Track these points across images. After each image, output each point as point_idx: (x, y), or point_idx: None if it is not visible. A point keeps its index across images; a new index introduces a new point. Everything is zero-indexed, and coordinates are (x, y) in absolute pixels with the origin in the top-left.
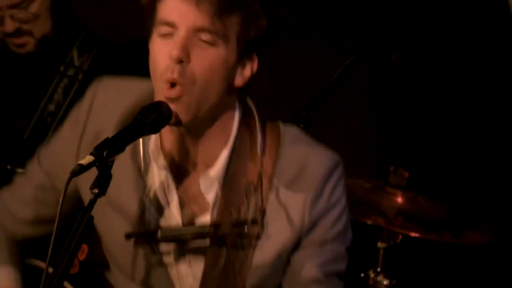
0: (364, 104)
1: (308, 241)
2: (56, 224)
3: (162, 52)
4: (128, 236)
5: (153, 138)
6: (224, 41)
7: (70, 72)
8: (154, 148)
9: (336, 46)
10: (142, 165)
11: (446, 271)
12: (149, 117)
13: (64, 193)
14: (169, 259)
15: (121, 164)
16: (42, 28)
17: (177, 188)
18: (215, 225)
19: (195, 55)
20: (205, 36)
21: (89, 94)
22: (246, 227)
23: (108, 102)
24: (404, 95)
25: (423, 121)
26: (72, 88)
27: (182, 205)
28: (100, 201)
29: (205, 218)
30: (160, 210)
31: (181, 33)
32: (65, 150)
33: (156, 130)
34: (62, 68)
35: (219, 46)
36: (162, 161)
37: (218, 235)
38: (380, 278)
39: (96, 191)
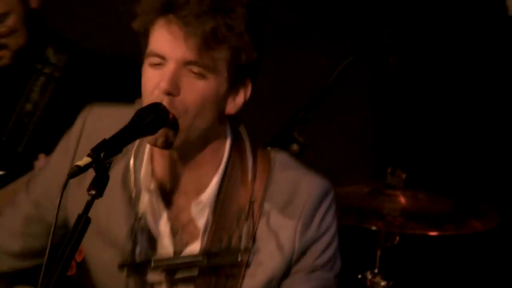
0: (362, 105)
1: (298, 268)
2: (51, 234)
3: (152, 81)
4: (120, 267)
5: (144, 165)
6: (214, 73)
7: (47, 70)
8: (145, 175)
9: (336, 47)
10: (133, 193)
11: (443, 272)
12: (146, 119)
13: (61, 195)
14: None
15: (112, 192)
16: (18, 41)
17: (168, 215)
18: (207, 254)
19: (185, 87)
20: (194, 69)
21: (78, 122)
22: (239, 256)
23: (97, 131)
24: (403, 96)
25: (421, 122)
26: (49, 86)
27: (173, 232)
28: (91, 231)
29: (196, 245)
30: (151, 238)
31: (170, 66)
32: (55, 181)
33: (153, 131)
34: (39, 66)
35: (209, 78)
36: (153, 188)
37: (210, 264)
38: (377, 279)
39: (93, 192)
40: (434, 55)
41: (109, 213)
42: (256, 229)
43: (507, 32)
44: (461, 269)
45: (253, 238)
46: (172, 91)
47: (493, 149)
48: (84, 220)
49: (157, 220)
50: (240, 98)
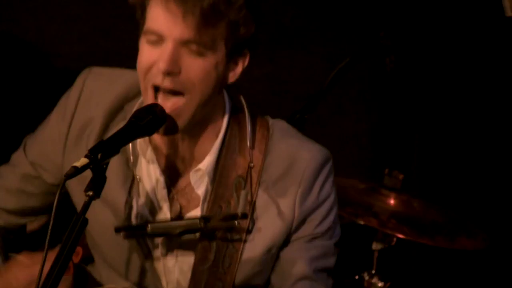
0: (359, 106)
1: (297, 236)
2: (49, 229)
3: (149, 58)
4: (117, 230)
5: None
6: (212, 50)
7: None
8: (142, 141)
9: (334, 48)
10: (131, 158)
11: (440, 274)
12: (144, 120)
13: (58, 198)
14: (156, 253)
15: None
16: None
17: (166, 182)
18: (205, 218)
19: (185, 65)
20: (192, 47)
21: (77, 85)
22: (236, 221)
23: (96, 93)
24: (399, 97)
25: (418, 124)
26: None
27: (171, 199)
28: None
29: (195, 212)
30: (148, 203)
31: (168, 46)
32: (52, 141)
33: (150, 132)
34: None
35: (208, 55)
36: (150, 154)
37: (208, 229)
38: (374, 280)
39: (90, 193)
40: (430, 57)
41: (107, 176)
42: (256, 197)
43: (504, 33)
44: (458, 271)
45: (252, 205)
46: (172, 70)
47: (491, 149)
48: (81, 221)
49: (154, 185)
50: (239, 68)
